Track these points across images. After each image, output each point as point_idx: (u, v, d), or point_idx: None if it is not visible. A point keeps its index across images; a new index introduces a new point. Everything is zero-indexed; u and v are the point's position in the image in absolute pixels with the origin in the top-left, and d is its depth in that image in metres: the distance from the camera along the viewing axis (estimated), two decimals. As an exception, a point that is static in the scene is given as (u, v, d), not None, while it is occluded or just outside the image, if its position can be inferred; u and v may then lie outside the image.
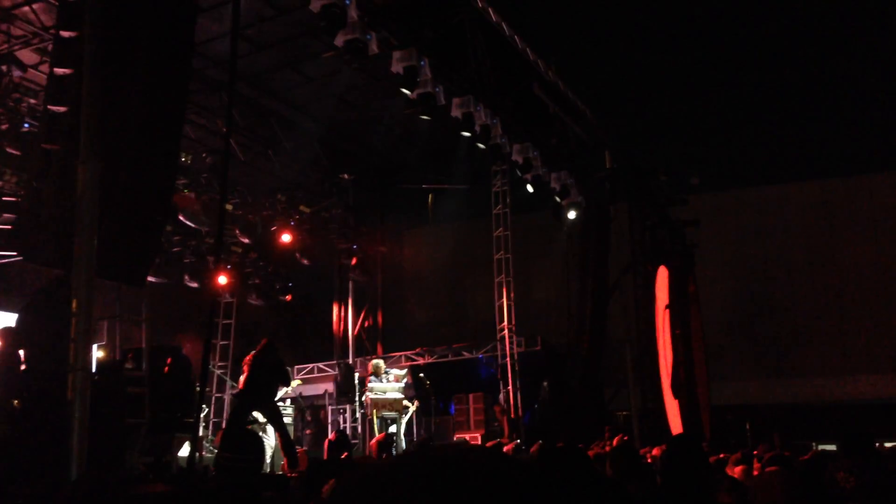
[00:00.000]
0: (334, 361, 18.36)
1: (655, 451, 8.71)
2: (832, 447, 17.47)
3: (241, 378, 11.03)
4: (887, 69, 20.83)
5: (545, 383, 16.12)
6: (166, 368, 11.36)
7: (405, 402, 13.75)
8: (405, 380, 14.17)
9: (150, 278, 11.98)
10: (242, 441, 4.22)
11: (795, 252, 21.57)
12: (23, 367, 6.79)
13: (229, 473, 3.91)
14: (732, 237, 21.98)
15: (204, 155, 14.57)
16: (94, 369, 7.36)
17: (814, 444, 17.42)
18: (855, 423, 18.86)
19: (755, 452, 8.47)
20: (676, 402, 15.90)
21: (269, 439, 11.92)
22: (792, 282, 21.41)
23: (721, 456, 8.02)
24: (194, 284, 15.72)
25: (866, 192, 21.45)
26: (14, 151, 11.32)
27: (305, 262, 16.92)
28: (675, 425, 15.63)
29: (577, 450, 3.47)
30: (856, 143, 21.68)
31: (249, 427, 11.04)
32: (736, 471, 6.88)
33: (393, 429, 13.10)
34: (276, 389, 11.00)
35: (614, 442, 10.89)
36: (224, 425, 15.73)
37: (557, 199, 15.21)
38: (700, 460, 3.29)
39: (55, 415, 5.84)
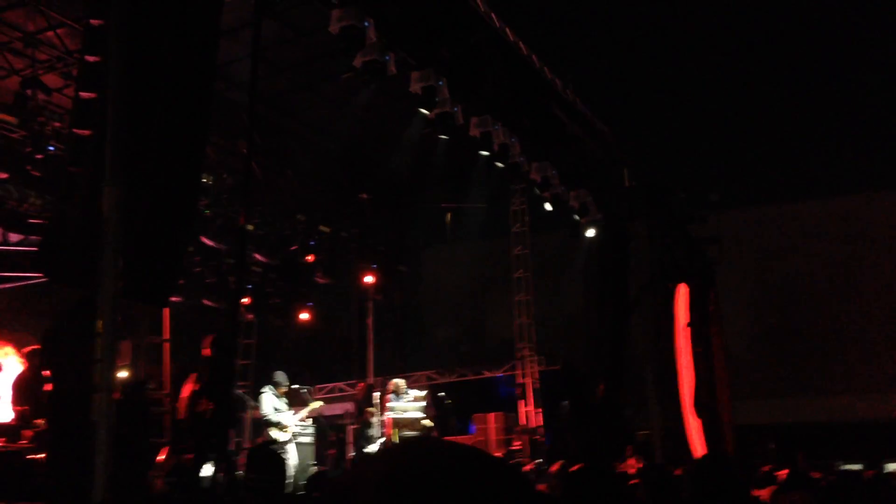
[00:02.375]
0: (354, 381, 18.36)
1: (678, 472, 8.62)
2: (858, 466, 17.25)
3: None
4: (908, 84, 20.72)
5: (565, 402, 16.03)
6: (188, 388, 11.39)
7: (424, 422, 13.72)
8: (425, 399, 14.15)
9: (171, 298, 12.06)
10: (266, 461, 4.24)
11: (817, 269, 21.37)
12: (47, 387, 6.84)
13: (254, 493, 3.92)
14: (753, 254, 21.82)
15: (224, 176, 14.70)
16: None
17: (839, 463, 17.19)
18: (878, 443, 18.61)
19: (777, 473, 8.37)
20: (699, 421, 15.74)
21: (291, 458, 11.94)
22: (814, 299, 21.20)
23: (761, 471, 7.94)
24: (215, 304, 15.80)
25: (888, 207, 21.26)
26: (37, 174, 11.47)
27: (325, 281, 16.97)
28: (698, 445, 15.47)
29: (602, 471, 3.46)
30: (877, 159, 21.52)
31: (271, 448, 11.05)
32: (763, 493, 6.80)
33: None
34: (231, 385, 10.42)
35: (632, 462, 10.81)
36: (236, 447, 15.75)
37: (576, 217, 15.18)
38: (730, 481, 3.26)
39: (79, 435, 5.87)
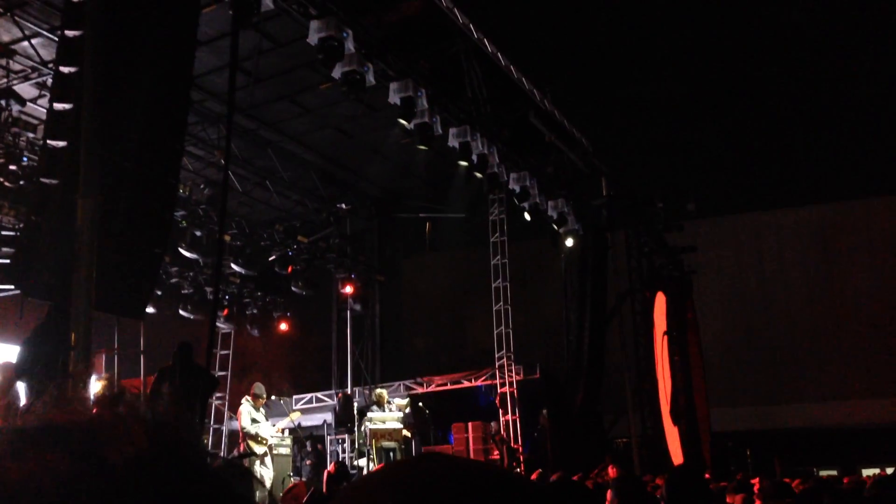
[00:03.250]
0: (332, 391, 18.28)
1: (659, 481, 8.65)
2: (833, 472, 17.44)
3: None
4: (882, 94, 21.06)
5: (544, 411, 16.05)
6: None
7: (404, 432, 13.68)
8: (407, 409, 14.12)
9: (148, 309, 11.95)
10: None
11: (793, 277, 21.61)
12: (23, 401, 6.76)
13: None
14: (730, 263, 22.03)
15: (202, 186, 14.61)
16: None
17: (815, 469, 17.35)
18: (854, 449, 18.81)
19: (753, 481, 8.40)
20: (676, 428, 15.84)
21: (268, 471, 11.86)
22: (790, 307, 21.43)
23: (723, 484, 7.98)
24: (192, 315, 15.70)
25: (862, 216, 21.55)
26: (10, 185, 11.34)
27: (303, 292, 16.91)
28: (676, 452, 15.55)
29: (582, 483, 3.47)
30: (851, 168, 21.83)
31: (246, 460, 10.99)
32: (736, 499, 6.82)
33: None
34: (205, 395, 10.23)
35: (609, 471, 10.82)
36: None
37: (555, 226, 15.25)
38: (703, 491, 3.28)
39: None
